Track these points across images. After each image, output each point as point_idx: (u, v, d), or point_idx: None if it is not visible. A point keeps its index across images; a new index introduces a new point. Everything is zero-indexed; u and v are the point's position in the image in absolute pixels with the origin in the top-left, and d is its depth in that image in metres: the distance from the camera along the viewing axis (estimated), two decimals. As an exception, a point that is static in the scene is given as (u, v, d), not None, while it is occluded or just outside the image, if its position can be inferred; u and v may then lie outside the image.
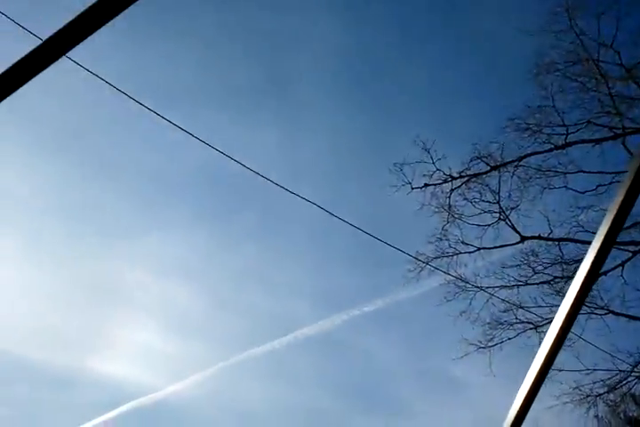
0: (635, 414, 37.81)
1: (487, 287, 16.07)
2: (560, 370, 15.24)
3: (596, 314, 15.31)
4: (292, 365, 66.37)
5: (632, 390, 23.06)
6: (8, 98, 1.63)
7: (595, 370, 15.32)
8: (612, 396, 17.35)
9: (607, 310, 15.17)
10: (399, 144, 40.31)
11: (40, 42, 1.78)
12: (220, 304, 71.10)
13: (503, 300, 15.53)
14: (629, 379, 16.00)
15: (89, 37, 1.63)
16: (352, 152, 57.29)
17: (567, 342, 15.19)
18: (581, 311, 15.06)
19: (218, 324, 72.54)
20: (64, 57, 1.76)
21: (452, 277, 16.64)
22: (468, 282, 15.53)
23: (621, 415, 37.09)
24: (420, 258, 16.28)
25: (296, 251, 69.53)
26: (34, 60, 1.62)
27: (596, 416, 17.62)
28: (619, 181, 15.55)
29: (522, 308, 15.45)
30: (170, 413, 64.54)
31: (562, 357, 15.47)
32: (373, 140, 52.29)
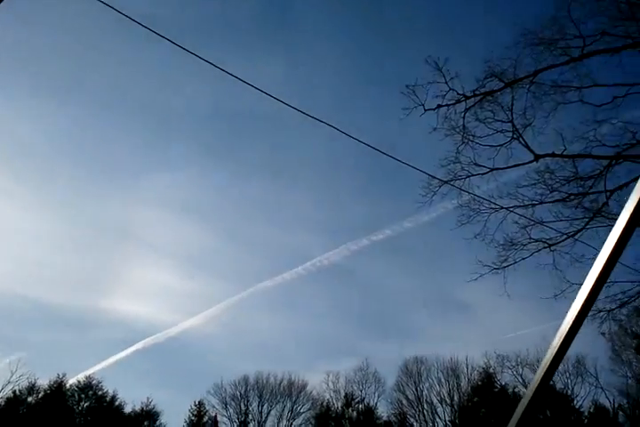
0: (640, 330, 39.03)
1: (502, 208, 16.00)
2: (580, 284, 15.33)
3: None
4: (304, 295, 67.25)
5: (640, 306, 23.47)
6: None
7: (615, 282, 15.35)
8: (623, 311, 17.49)
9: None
10: (410, 66, 39.56)
11: None
12: (231, 240, 70.78)
13: (522, 216, 15.46)
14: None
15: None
16: (361, 77, 55.91)
17: (588, 256, 15.22)
18: (605, 224, 15.06)
19: (229, 259, 72.63)
20: None
21: (466, 200, 16.57)
22: (488, 200, 15.41)
23: (629, 331, 38.28)
24: (433, 181, 16.13)
25: (304, 184, 68.80)
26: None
27: (602, 333, 17.79)
28: (636, 93, 15.22)
29: (542, 224, 15.41)
30: (184, 347, 65.46)
31: (582, 270, 15.56)
32: (383, 64, 50.99)
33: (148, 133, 63.90)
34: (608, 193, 15.40)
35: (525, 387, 45.64)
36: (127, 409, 54.67)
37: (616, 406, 42.38)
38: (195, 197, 67.85)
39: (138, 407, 54.41)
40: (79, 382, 53.95)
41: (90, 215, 65.52)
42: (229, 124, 64.56)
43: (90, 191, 66.00)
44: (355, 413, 50.80)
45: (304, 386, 53.64)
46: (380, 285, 68.24)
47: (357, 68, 54.99)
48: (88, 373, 54.29)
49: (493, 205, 16.11)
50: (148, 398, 54.18)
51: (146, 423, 53.77)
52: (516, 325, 67.76)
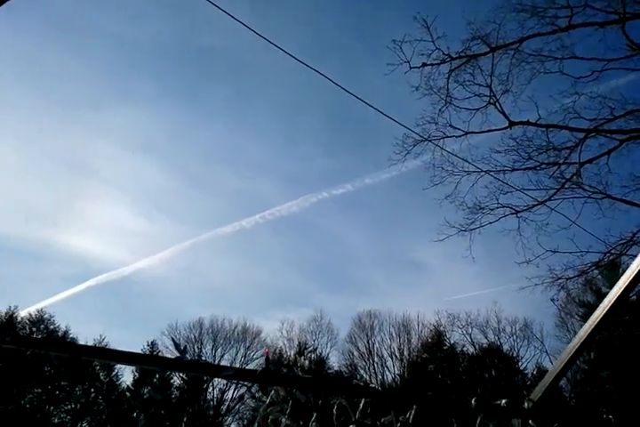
0: (588, 299, 40.35)
1: (479, 171, 16.12)
2: (554, 251, 15.68)
3: (593, 198, 15.55)
4: (261, 244, 66.69)
5: (597, 276, 24.06)
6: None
7: (587, 252, 15.72)
8: (580, 280, 17.93)
9: (604, 194, 15.40)
10: (394, 24, 38.40)
11: None
12: (191, 182, 69.16)
13: (498, 179, 15.61)
14: (603, 261, 16.48)
15: None
16: (340, 31, 54.01)
17: (563, 224, 15.49)
18: (579, 195, 15.32)
19: (188, 202, 71.15)
20: None
21: (439, 161, 16.61)
22: (467, 161, 15.48)
23: (576, 300, 39.52)
24: (408, 139, 16.13)
25: (268, 130, 67.23)
26: None
27: (552, 300, 18.27)
28: (613, 68, 15.30)
29: (519, 190, 15.59)
30: (138, 287, 64.81)
31: (557, 240, 15.92)
32: (366, 20, 49.45)
33: (110, 66, 61.04)
34: (578, 165, 15.65)
35: (474, 346, 47.08)
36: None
37: (558, 370, 44.01)
38: (156, 136, 65.78)
39: (90, 344, 54.51)
40: (31, 315, 53.66)
41: (45, 147, 63.38)
42: (196, 64, 62.42)
43: (46, 122, 63.34)
44: (307, 362, 51.94)
45: (258, 333, 54.53)
46: (338, 238, 68.67)
47: (337, 21, 53.45)
48: (40, 306, 53.96)
49: (466, 168, 16.24)
50: (100, 336, 54.37)
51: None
52: (468, 286, 69.23)
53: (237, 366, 52.11)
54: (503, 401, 2.91)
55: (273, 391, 2.65)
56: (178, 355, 2.76)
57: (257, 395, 2.85)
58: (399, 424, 2.62)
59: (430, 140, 15.99)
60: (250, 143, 66.44)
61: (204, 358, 51.87)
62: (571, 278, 16.77)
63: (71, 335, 54.52)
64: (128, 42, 56.69)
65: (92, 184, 64.92)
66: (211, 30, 45.44)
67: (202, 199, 68.97)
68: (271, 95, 60.69)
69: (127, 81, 61.63)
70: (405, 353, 48.85)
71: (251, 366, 52.98)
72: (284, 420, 2.58)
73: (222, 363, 52.38)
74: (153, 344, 54.87)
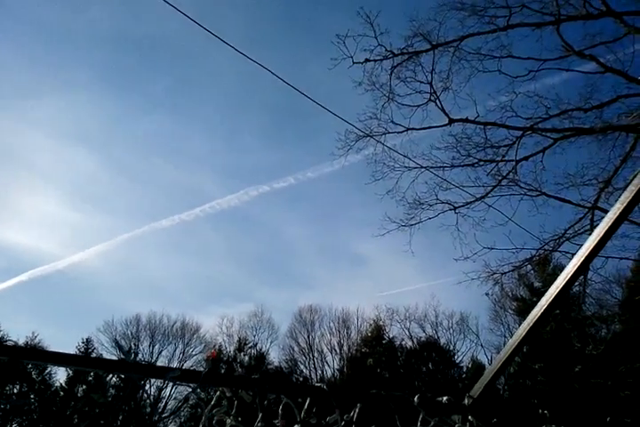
0: (521, 294, 41.59)
1: (420, 167, 16.37)
2: (491, 248, 16.09)
3: (529, 195, 16.01)
4: (201, 238, 65.44)
5: (529, 271, 24.85)
6: None
7: (522, 249, 16.18)
8: (514, 274, 18.48)
9: (539, 191, 15.87)
10: (339, 18, 38.29)
11: None
12: (126, 174, 67.20)
13: (438, 176, 15.88)
14: (536, 257, 17.01)
15: None
16: (283, 23, 53.49)
17: (500, 221, 15.92)
18: (515, 193, 15.77)
19: (123, 194, 69.14)
20: None
21: (380, 157, 16.79)
22: (407, 157, 15.65)
23: (509, 294, 40.67)
24: (350, 135, 16.25)
25: (209, 122, 65.97)
26: None
27: (486, 294, 18.75)
28: (548, 69, 15.82)
29: (459, 187, 15.88)
30: (73, 282, 62.72)
31: (494, 236, 16.36)
32: (309, 12, 48.98)
33: (44, 56, 58.66)
34: (515, 162, 16.11)
35: (412, 340, 47.90)
36: (10, 343, 52.93)
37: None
38: (90, 126, 63.65)
39: (22, 342, 53.03)
40: (-43, 312, 51.70)
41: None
42: (135, 54, 60.73)
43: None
44: (247, 357, 51.76)
45: (197, 329, 53.94)
46: (279, 232, 68.52)
47: (282, 14, 53.11)
48: (-34, 303, 51.99)
49: (407, 164, 16.47)
50: (33, 333, 52.84)
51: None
52: (408, 280, 70.33)
53: (176, 362, 51.52)
54: (444, 398, 2.98)
55: (218, 392, 2.62)
56: (118, 353, 2.70)
57: (200, 394, 2.82)
58: (343, 423, 2.64)
59: (372, 136, 16.15)
60: (190, 135, 65.37)
61: (140, 356, 51.02)
62: (505, 273, 17.26)
63: (1, 333, 52.76)
64: (63, 30, 54.86)
65: (22, 175, 62.75)
66: (152, 18, 44.56)
67: (139, 191, 67.40)
68: (214, 86, 59.86)
69: (61, 70, 59.61)
70: (345, 348, 49.36)
71: (189, 363, 52.44)
72: (228, 421, 2.56)
73: (160, 360, 51.74)
74: (88, 341, 53.62)
